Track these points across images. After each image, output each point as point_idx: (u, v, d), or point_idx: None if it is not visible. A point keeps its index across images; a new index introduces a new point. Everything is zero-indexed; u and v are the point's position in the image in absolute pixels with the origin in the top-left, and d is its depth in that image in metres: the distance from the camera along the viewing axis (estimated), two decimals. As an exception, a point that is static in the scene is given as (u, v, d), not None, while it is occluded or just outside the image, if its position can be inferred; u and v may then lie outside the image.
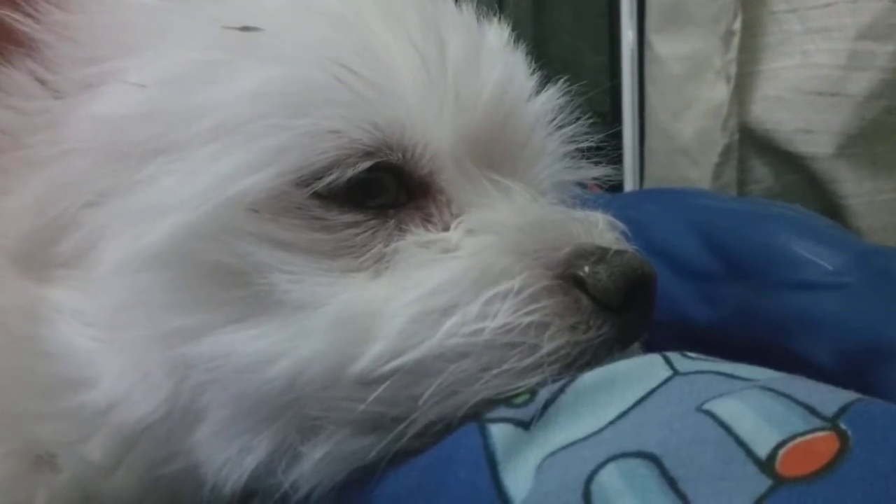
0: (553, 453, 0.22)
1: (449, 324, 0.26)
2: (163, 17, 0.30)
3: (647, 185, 1.10)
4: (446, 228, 0.29)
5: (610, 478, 0.20)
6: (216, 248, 0.26)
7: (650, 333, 0.34)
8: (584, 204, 0.61)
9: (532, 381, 0.25)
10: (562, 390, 0.24)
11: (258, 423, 0.26)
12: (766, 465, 0.19)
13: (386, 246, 0.28)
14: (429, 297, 0.26)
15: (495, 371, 0.25)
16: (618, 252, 0.29)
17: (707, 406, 0.21)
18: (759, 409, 0.20)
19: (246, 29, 0.29)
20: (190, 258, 0.26)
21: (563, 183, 0.37)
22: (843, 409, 0.20)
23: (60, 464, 0.28)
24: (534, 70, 0.36)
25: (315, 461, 0.26)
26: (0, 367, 0.28)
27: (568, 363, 0.26)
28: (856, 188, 0.94)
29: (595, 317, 0.27)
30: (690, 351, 0.43)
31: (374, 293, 0.26)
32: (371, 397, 0.25)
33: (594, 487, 0.20)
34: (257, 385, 0.25)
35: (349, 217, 0.28)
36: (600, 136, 0.42)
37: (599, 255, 0.28)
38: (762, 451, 0.19)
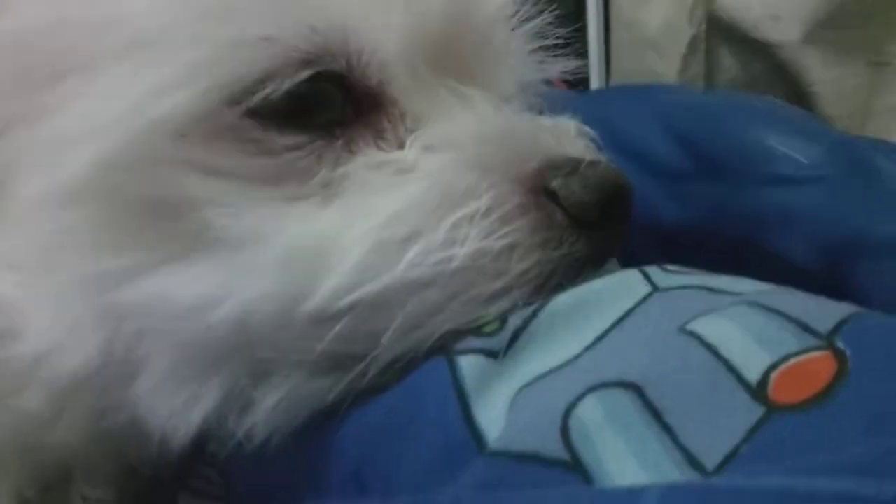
0: (528, 385, 0.20)
1: (412, 253, 0.23)
2: None
3: (614, 79, 1.08)
4: (401, 146, 0.26)
5: (589, 411, 0.18)
6: (141, 180, 0.23)
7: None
8: (550, 104, 0.59)
9: (502, 306, 0.23)
10: (534, 315, 0.22)
11: (204, 370, 0.24)
12: (757, 392, 0.17)
13: (333, 170, 0.25)
14: (387, 226, 0.24)
15: (462, 299, 0.23)
16: (591, 163, 0.26)
17: (691, 326, 0.19)
18: (747, 328, 0.18)
19: None
20: (113, 192, 0.23)
21: (529, 83, 0.34)
22: (839, 325, 0.18)
23: None
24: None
25: (270, 407, 0.24)
26: None
27: (539, 284, 0.24)
28: (823, 74, 0.92)
29: (568, 233, 0.25)
30: (662, 251, 0.42)
31: (325, 224, 0.24)
32: (329, 336, 0.23)
33: (572, 422, 0.18)
34: (200, 331, 0.23)
35: (290, 139, 0.25)
36: (565, 31, 0.39)
37: (572, 166, 0.26)
38: (753, 376, 0.17)
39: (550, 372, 0.20)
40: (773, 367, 0.18)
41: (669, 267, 0.24)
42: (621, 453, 0.17)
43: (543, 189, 0.25)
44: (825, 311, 0.19)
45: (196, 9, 0.24)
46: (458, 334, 0.23)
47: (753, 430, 0.16)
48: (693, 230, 0.46)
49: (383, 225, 0.24)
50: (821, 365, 0.17)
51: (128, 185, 0.23)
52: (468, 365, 0.21)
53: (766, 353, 0.18)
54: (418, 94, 0.27)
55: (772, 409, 0.17)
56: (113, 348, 0.24)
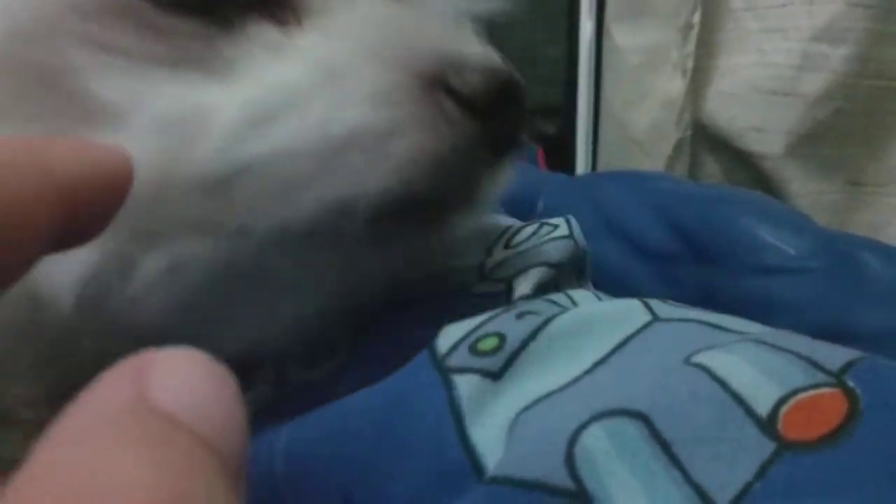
0: (527, 408, 0.19)
1: (290, 122, 0.23)
2: None
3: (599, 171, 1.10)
4: (296, 32, 0.25)
5: (595, 440, 0.18)
6: (37, 52, 0.23)
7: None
8: (543, 186, 0.60)
9: (379, 185, 0.23)
10: (532, 337, 0.21)
11: None
12: (767, 426, 0.17)
13: (225, 52, 0.24)
14: (267, 96, 0.23)
15: (340, 172, 0.23)
16: (486, 56, 0.26)
17: (697, 359, 0.19)
18: (756, 364, 0.18)
19: None
20: (8, 64, 0.23)
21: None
22: (848, 365, 0.18)
23: None
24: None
25: (155, 271, 0.23)
26: None
27: (423, 169, 0.24)
28: (802, 188, 0.95)
29: (457, 121, 0.24)
30: None
31: (207, 94, 0.23)
32: (205, 204, 0.23)
33: (577, 450, 0.18)
34: None
35: (187, 24, 0.24)
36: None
37: (466, 57, 0.25)
38: (762, 410, 0.17)
39: (549, 395, 0.20)
40: (782, 400, 0.17)
41: (670, 301, 0.24)
42: (629, 486, 0.17)
43: (434, 77, 0.24)
44: (834, 352, 0.19)
45: None
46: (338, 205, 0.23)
47: (765, 467, 0.16)
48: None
49: (264, 95, 0.23)
50: (831, 402, 0.17)
51: (24, 56, 0.23)
52: (464, 384, 0.20)
53: (775, 387, 0.18)
54: None
55: (783, 445, 0.16)
56: None
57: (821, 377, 0.18)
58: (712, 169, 1.05)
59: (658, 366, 0.19)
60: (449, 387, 0.20)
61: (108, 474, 0.10)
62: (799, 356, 0.18)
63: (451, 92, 0.24)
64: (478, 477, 0.19)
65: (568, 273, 0.30)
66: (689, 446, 0.17)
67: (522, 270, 0.28)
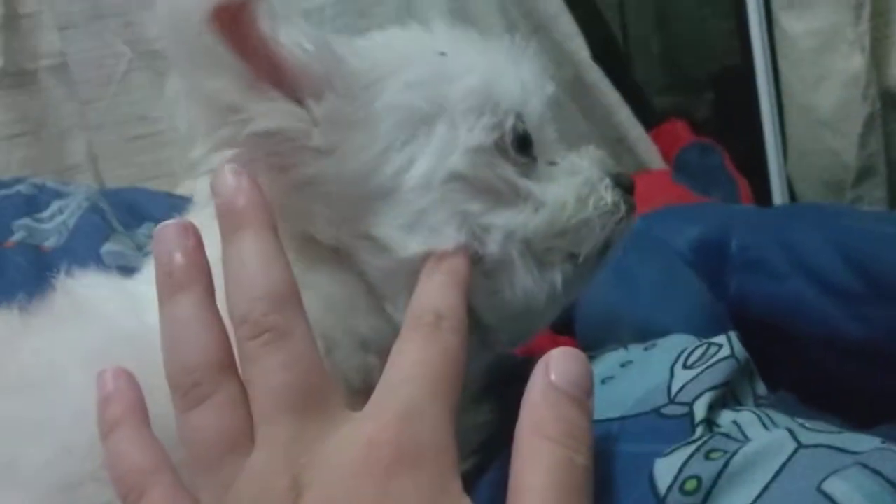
0: None
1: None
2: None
3: (791, 157, 1.11)
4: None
5: None
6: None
7: (810, 349, 0.48)
8: (733, 222, 0.64)
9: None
10: (719, 476, 0.32)
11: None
12: None
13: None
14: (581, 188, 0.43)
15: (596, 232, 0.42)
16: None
17: (824, 487, 0.29)
18: (860, 489, 0.28)
19: None
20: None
21: None
22: None
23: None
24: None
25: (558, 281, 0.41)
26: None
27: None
28: None
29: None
30: (847, 362, 0.50)
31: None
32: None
33: None
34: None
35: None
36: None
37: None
38: None
39: None
40: None
41: (807, 424, 0.34)
42: None
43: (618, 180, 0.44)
44: None
45: None
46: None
47: None
48: (874, 346, 0.51)
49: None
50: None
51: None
52: None
53: None
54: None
55: None
56: None
57: None
58: (906, 139, 1.04)
59: (799, 491, 0.30)
60: None
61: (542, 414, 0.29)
62: (888, 481, 0.28)
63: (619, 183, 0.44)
64: None
65: (740, 383, 0.40)
66: None
67: (698, 396, 0.38)
